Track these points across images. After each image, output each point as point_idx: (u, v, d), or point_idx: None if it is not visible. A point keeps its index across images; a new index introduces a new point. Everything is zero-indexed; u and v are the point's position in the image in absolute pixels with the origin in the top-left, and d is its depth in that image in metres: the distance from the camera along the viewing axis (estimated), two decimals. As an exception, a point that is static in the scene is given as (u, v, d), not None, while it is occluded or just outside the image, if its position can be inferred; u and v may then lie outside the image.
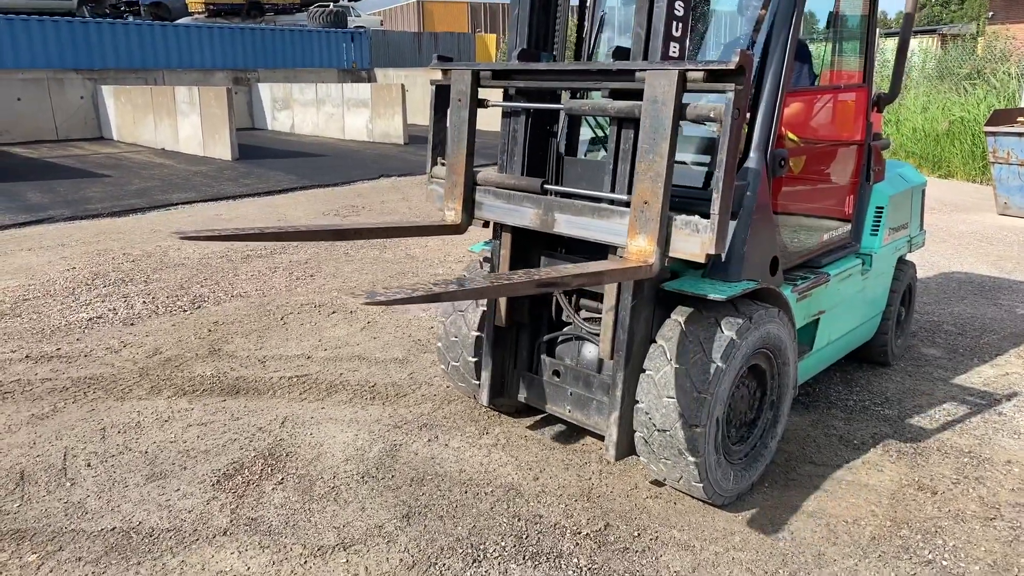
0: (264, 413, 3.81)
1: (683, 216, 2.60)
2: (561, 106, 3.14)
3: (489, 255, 3.45)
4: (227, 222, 8.49)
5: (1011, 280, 6.39)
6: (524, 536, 2.83)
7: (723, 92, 2.45)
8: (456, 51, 26.65)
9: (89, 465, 3.30)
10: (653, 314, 2.95)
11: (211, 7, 23.64)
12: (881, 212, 4.09)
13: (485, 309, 3.44)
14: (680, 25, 2.74)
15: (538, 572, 2.64)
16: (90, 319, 5.19)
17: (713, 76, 2.46)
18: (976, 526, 2.94)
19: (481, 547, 2.76)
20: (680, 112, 2.55)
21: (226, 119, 13.03)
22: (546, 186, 3.04)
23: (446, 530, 2.86)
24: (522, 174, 3.20)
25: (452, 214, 3.25)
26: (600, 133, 3.59)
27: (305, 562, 2.67)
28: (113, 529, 2.85)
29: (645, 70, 2.59)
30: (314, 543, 2.78)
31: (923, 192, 4.70)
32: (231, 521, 2.90)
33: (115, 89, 16.38)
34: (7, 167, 12.26)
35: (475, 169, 3.25)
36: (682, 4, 2.72)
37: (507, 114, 3.24)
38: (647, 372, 2.88)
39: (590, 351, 3.29)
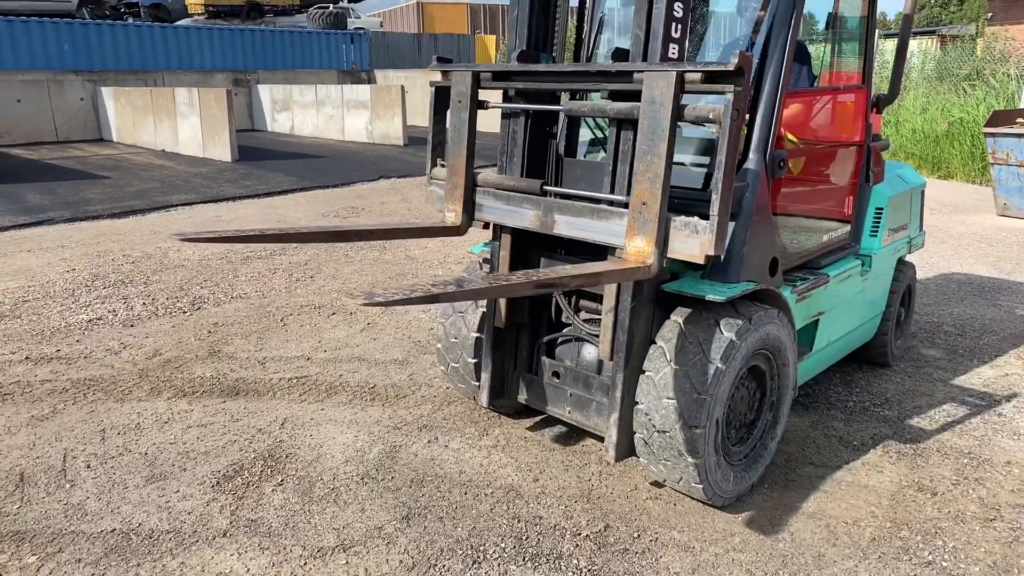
0: (264, 414, 3.81)
1: (682, 217, 2.61)
2: (560, 107, 3.14)
3: (489, 256, 3.45)
4: (227, 223, 8.49)
5: (1011, 281, 6.40)
6: (524, 537, 2.83)
7: (722, 93, 2.46)
8: (456, 52, 26.66)
9: (89, 467, 3.30)
10: (653, 315, 2.95)
11: (211, 8, 23.65)
12: (880, 213, 4.09)
13: (485, 310, 3.44)
14: (679, 26, 2.74)
15: (538, 573, 2.64)
16: (90, 321, 5.19)
17: (712, 77, 2.47)
18: (976, 527, 2.94)
19: (481, 548, 2.76)
20: (678, 113, 2.55)
21: (226, 120, 13.03)
22: (545, 187, 3.04)
23: (446, 531, 2.86)
24: (521, 175, 3.21)
25: (452, 215, 3.25)
26: (599, 134, 3.59)
27: (305, 563, 2.67)
28: (113, 531, 2.84)
29: (643, 71, 2.59)
30: (314, 544, 2.78)
31: (922, 193, 4.70)
32: (231, 523, 2.90)
33: (115, 91, 16.38)
34: (7, 169, 12.26)
35: (475, 170, 3.25)
36: (681, 5, 2.72)
37: (506, 115, 3.24)
38: (647, 373, 2.88)
39: (590, 352, 3.29)
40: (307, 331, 5.02)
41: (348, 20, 25.47)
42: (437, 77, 3.31)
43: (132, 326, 5.10)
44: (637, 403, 2.90)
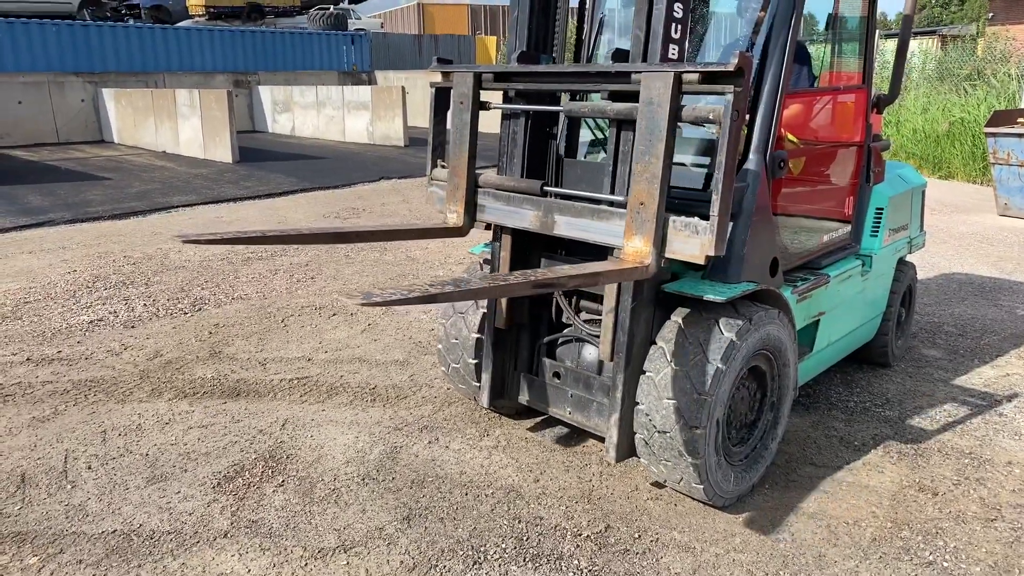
0: (265, 415, 3.81)
1: (682, 218, 2.61)
2: (560, 108, 3.15)
3: (489, 257, 3.46)
4: (228, 224, 8.50)
5: (1012, 281, 6.39)
6: (525, 538, 2.83)
7: (721, 94, 2.46)
8: (456, 53, 26.67)
9: (90, 468, 3.30)
10: (653, 316, 2.95)
11: (211, 10, 23.66)
12: (881, 213, 4.09)
13: (485, 311, 3.44)
14: (679, 27, 2.74)
15: (538, 574, 2.64)
16: (91, 322, 5.19)
17: (711, 78, 2.47)
18: (977, 527, 2.94)
19: (482, 549, 2.76)
20: (676, 114, 2.55)
21: (226, 122, 13.04)
22: (546, 188, 3.05)
23: (447, 532, 2.86)
24: (522, 176, 3.21)
25: (454, 216, 3.25)
26: (600, 135, 3.59)
27: (306, 564, 2.67)
28: (114, 532, 2.85)
29: (641, 72, 2.59)
30: (315, 545, 2.78)
31: (923, 193, 4.70)
32: (232, 523, 2.90)
33: (116, 92, 16.40)
34: (8, 170, 12.28)
35: (476, 171, 3.26)
36: (681, 6, 2.72)
37: (507, 116, 3.25)
38: (647, 374, 2.88)
39: (590, 353, 3.29)
40: (308, 332, 5.03)
41: (349, 21, 25.49)
42: (437, 78, 3.31)
43: (133, 327, 5.10)
44: (638, 404, 2.90)
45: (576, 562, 2.70)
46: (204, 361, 4.51)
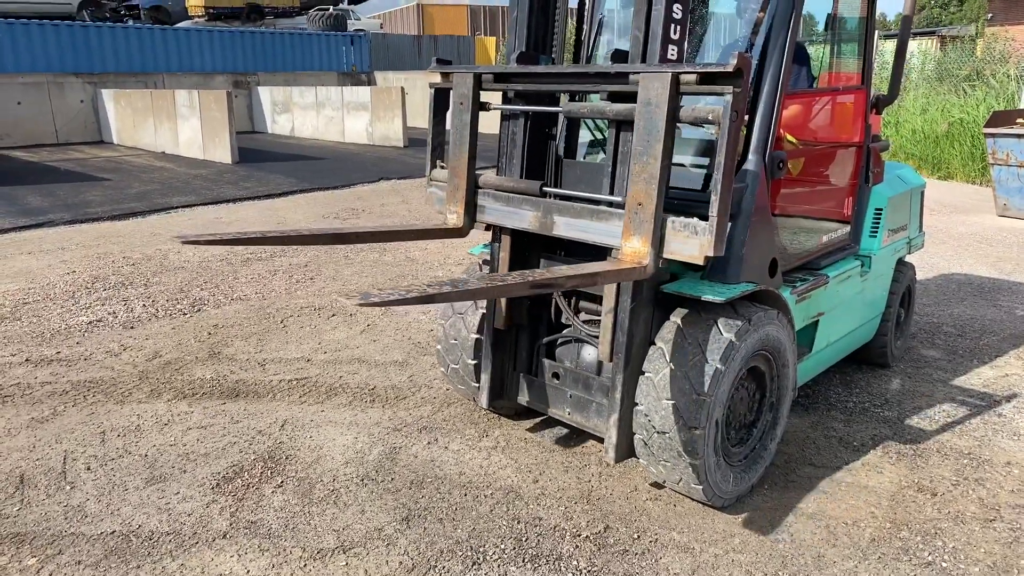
0: (264, 416, 3.81)
1: (681, 218, 2.61)
2: (560, 109, 3.15)
3: (489, 258, 3.46)
4: (227, 225, 8.50)
5: (1011, 281, 6.40)
6: (524, 538, 2.83)
7: (718, 94, 2.46)
8: (456, 54, 26.67)
9: (89, 468, 3.30)
10: (652, 316, 2.95)
11: (211, 11, 23.66)
12: (880, 214, 4.09)
13: (485, 311, 3.44)
14: (678, 28, 2.74)
15: (537, 575, 2.64)
16: (90, 323, 5.19)
17: (709, 79, 2.47)
18: (976, 528, 2.94)
19: (481, 550, 2.76)
20: (674, 114, 2.55)
21: (226, 122, 13.04)
22: (545, 189, 3.05)
23: (446, 533, 2.86)
24: (521, 177, 3.21)
25: (454, 217, 3.25)
26: (599, 136, 3.60)
27: (305, 565, 2.67)
28: (113, 532, 2.85)
29: (639, 72, 2.60)
30: (314, 546, 2.78)
31: (922, 194, 4.70)
32: (231, 524, 2.90)
33: (115, 93, 16.40)
34: (7, 171, 12.28)
35: (476, 172, 3.26)
36: (680, 7, 2.72)
37: (506, 117, 3.25)
38: (646, 374, 2.88)
39: (589, 353, 3.29)
40: (307, 333, 5.02)
41: (348, 22, 25.49)
42: (437, 79, 3.31)
43: (132, 328, 5.10)
44: (637, 404, 2.90)
45: (575, 563, 2.69)
46: (203, 362, 4.51)
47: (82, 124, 16.86)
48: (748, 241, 2.90)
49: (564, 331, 3.39)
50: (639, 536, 2.85)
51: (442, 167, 3.42)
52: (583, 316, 3.30)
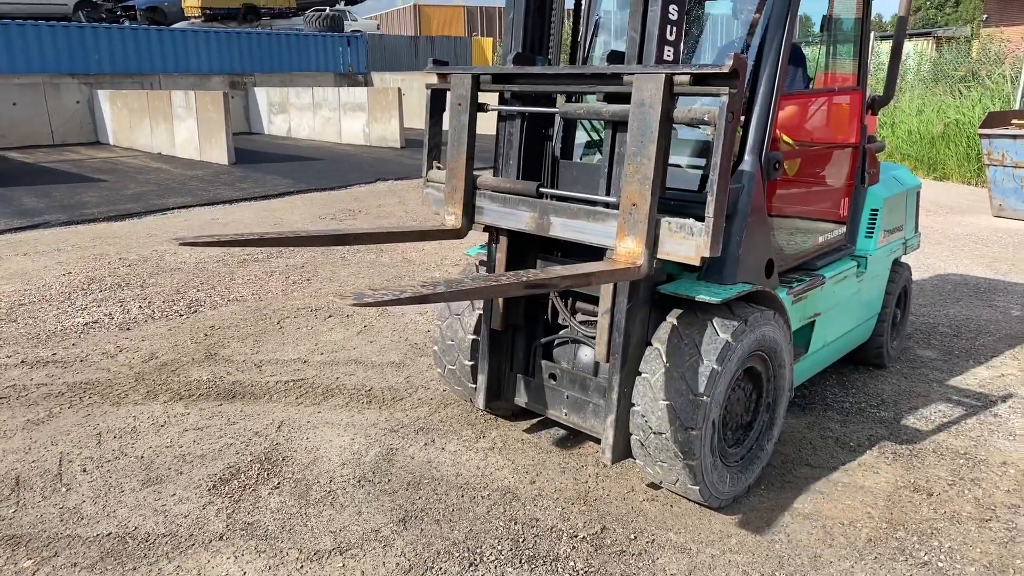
0: (260, 417, 3.81)
1: (677, 219, 2.61)
2: (557, 110, 3.15)
3: (485, 259, 3.45)
4: (223, 226, 8.49)
5: (1006, 282, 6.41)
6: (521, 540, 2.83)
7: (713, 95, 2.46)
8: (452, 55, 26.68)
9: (85, 470, 3.30)
10: (649, 317, 2.95)
11: (207, 11, 23.65)
12: (876, 214, 4.10)
13: (481, 312, 3.44)
14: (674, 29, 2.74)
15: (534, 575, 2.64)
16: (86, 324, 5.18)
17: (703, 80, 2.47)
18: (972, 527, 2.95)
19: (478, 551, 2.76)
20: (668, 115, 2.55)
21: (222, 123, 13.03)
22: (541, 189, 3.05)
23: (443, 534, 2.86)
24: (518, 178, 3.21)
25: (452, 218, 3.25)
26: (595, 136, 3.60)
27: (301, 567, 2.67)
28: (109, 534, 2.84)
29: (633, 74, 2.60)
30: (310, 547, 2.77)
31: (918, 194, 4.72)
32: (227, 526, 2.90)
33: (111, 94, 16.37)
34: (2, 172, 12.25)
35: (474, 173, 3.26)
36: (676, 8, 2.72)
37: (502, 118, 3.25)
38: (643, 375, 2.88)
39: (586, 354, 3.29)
40: (304, 334, 5.02)
41: (345, 23, 25.50)
42: (434, 80, 3.31)
43: (128, 329, 5.09)
44: (633, 405, 2.90)
45: (572, 563, 2.69)
46: (199, 363, 4.50)
47: (78, 125, 16.84)
48: (744, 242, 2.91)
49: (561, 332, 3.39)
50: (636, 537, 2.86)
51: (439, 168, 3.41)
52: (580, 317, 3.30)
